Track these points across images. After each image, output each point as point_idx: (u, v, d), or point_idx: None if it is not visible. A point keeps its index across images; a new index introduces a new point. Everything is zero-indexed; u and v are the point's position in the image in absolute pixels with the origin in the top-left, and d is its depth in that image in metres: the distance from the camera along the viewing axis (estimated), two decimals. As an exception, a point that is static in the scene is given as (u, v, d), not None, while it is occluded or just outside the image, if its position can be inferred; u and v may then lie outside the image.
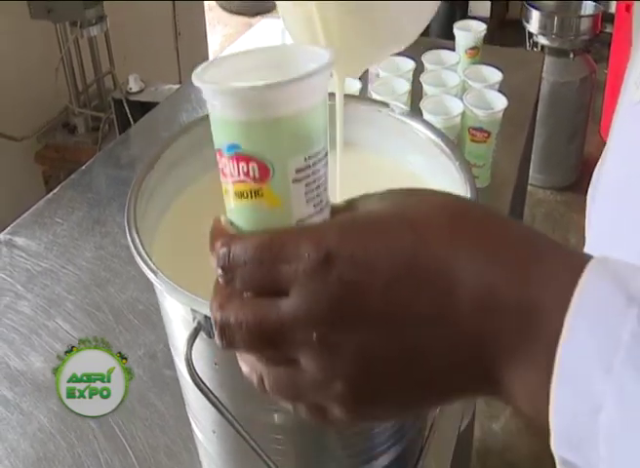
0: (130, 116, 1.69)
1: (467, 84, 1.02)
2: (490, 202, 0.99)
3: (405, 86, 1.02)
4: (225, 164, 0.31)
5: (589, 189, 0.56)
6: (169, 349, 0.61)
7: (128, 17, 2.09)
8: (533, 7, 2.32)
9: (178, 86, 1.59)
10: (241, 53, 0.33)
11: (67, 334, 0.81)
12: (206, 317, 0.49)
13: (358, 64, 0.58)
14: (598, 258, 0.28)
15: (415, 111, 0.98)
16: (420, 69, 1.10)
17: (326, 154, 0.32)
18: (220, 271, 0.32)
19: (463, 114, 0.94)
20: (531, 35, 2.37)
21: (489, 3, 3.36)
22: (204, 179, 0.67)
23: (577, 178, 2.47)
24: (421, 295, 0.29)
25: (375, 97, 1.00)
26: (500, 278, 0.28)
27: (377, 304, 0.29)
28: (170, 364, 0.66)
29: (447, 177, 0.57)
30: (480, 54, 1.25)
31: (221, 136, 0.31)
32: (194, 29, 2.52)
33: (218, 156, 0.32)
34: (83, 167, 1.15)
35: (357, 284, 0.29)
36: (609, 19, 2.81)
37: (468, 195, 0.51)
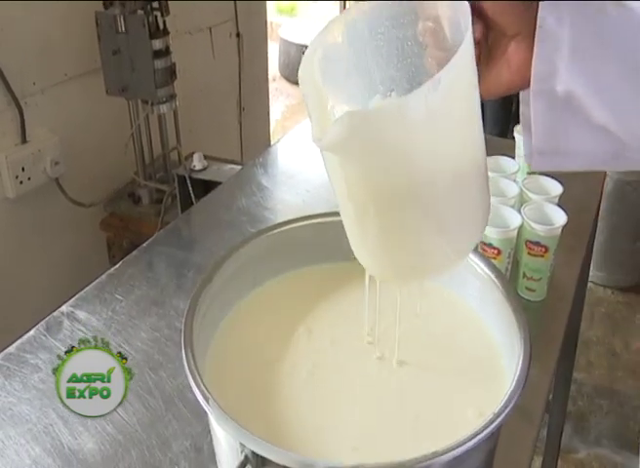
0: (192, 192, 1.74)
1: (527, 195, 1.02)
2: (545, 317, 0.98)
3: (464, 193, 1.03)
4: None
5: None
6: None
7: (197, 92, 2.18)
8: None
9: (239, 167, 1.63)
10: None
11: (120, 418, 0.82)
12: (253, 452, 0.49)
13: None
14: None
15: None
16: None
17: None
18: None
19: (521, 227, 0.94)
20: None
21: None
22: (252, 294, 0.70)
23: (640, 280, 2.40)
24: None
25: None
26: None
27: None
28: (215, 459, 0.66)
29: (499, 316, 0.57)
30: (541, 158, 1.25)
31: None
32: (258, 104, 2.61)
33: None
34: (144, 244, 1.18)
35: None
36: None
37: (521, 343, 0.50)
